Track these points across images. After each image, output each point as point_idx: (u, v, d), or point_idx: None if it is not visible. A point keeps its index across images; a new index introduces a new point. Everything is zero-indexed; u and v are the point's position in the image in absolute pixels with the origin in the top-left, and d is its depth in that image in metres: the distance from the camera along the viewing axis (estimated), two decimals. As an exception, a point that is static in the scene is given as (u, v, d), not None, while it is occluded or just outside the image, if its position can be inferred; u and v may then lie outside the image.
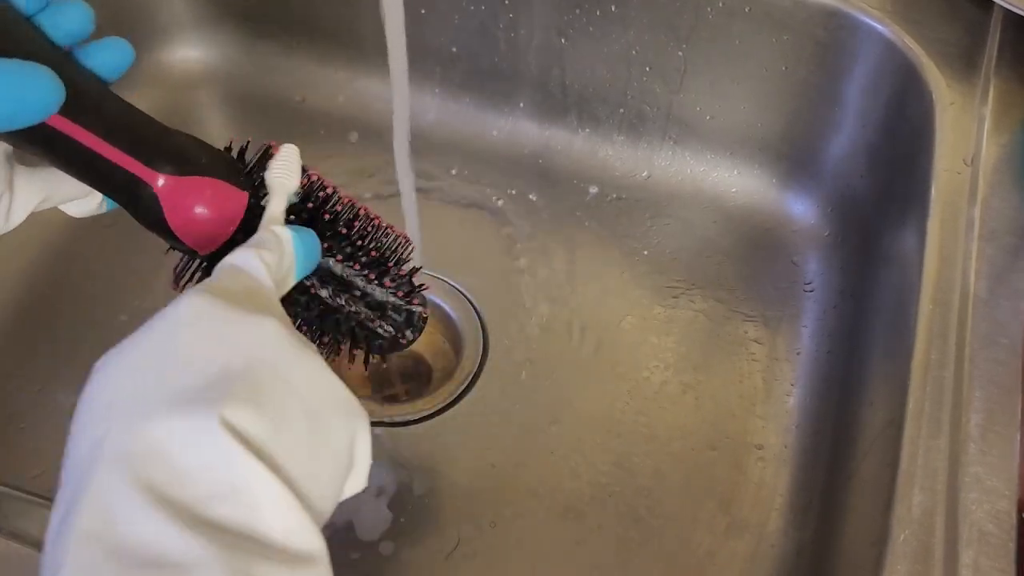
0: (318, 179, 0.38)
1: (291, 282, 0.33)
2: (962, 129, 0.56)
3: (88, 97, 0.30)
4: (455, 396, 0.60)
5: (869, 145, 0.64)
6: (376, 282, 0.38)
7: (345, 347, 0.39)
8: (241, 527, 0.25)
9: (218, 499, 0.24)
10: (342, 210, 0.38)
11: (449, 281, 0.65)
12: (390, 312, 0.39)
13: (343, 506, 0.57)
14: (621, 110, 0.71)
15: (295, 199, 0.37)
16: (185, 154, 0.33)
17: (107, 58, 0.31)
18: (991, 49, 0.60)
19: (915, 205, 0.54)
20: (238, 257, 0.31)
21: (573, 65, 0.70)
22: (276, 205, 0.35)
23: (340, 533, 0.54)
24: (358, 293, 0.38)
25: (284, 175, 0.36)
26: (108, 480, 0.24)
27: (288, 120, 0.75)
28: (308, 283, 0.36)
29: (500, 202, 0.71)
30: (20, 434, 0.57)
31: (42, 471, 0.56)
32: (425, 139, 0.73)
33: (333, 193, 0.38)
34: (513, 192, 0.71)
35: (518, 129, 0.74)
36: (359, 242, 0.38)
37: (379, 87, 0.75)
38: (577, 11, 0.67)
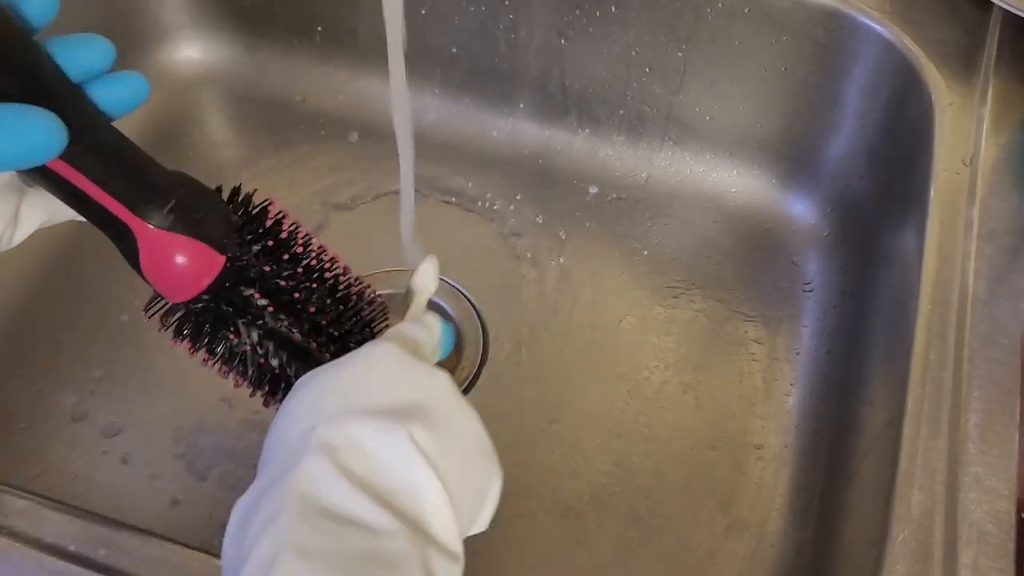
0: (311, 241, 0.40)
1: (433, 360, 0.40)
2: (961, 129, 0.56)
3: (87, 140, 0.30)
4: (455, 396, 0.60)
5: (868, 145, 0.64)
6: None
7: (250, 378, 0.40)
8: (416, 518, 0.30)
9: (400, 493, 0.30)
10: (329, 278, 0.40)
11: (449, 281, 0.65)
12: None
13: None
14: (621, 111, 0.71)
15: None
16: (173, 206, 0.33)
17: (120, 94, 0.32)
18: (990, 50, 0.60)
19: (914, 205, 0.54)
20: (408, 329, 0.38)
21: (573, 66, 0.70)
22: (420, 303, 0.43)
23: (340, 533, 0.54)
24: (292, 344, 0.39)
25: (428, 280, 0.43)
26: (317, 461, 0.30)
27: (288, 120, 0.75)
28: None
29: (500, 202, 0.71)
30: (20, 434, 0.57)
31: (42, 471, 0.56)
32: (425, 139, 0.72)
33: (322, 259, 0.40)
34: (513, 192, 0.71)
35: (518, 129, 0.74)
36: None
37: (379, 87, 0.75)
38: (577, 12, 0.67)
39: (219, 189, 0.37)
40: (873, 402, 0.52)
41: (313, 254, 0.39)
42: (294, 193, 0.70)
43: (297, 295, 0.37)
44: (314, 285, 0.39)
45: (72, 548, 0.40)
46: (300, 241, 0.39)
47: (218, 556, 0.39)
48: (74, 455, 0.57)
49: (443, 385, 0.35)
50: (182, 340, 0.37)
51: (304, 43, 0.76)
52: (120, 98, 0.32)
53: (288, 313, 0.37)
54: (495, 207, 0.70)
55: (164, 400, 0.59)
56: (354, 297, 0.41)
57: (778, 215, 0.70)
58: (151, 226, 0.33)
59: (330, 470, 0.30)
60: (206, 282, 0.34)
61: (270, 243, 0.37)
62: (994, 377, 0.45)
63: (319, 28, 0.75)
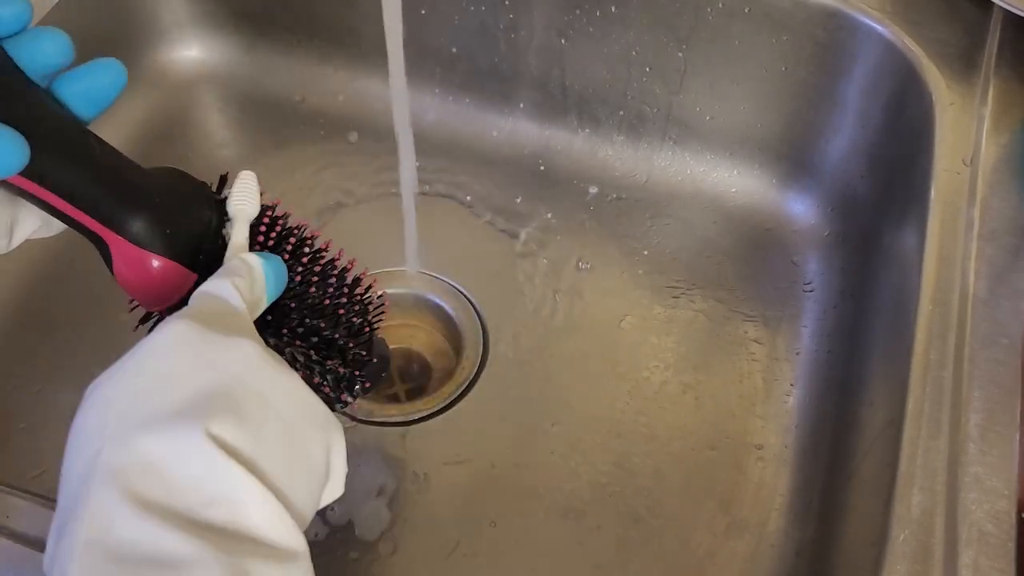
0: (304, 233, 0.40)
1: (263, 305, 0.35)
2: (962, 129, 0.56)
3: (52, 151, 0.29)
4: (455, 396, 0.60)
5: (869, 145, 0.64)
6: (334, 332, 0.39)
7: None
8: (231, 528, 0.26)
9: (208, 505, 0.26)
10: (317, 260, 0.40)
11: (449, 281, 0.65)
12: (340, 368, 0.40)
13: (343, 506, 0.57)
14: (621, 111, 0.71)
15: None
16: (147, 219, 0.32)
17: (91, 86, 0.31)
18: (991, 49, 0.60)
19: (915, 205, 0.54)
20: (212, 285, 0.32)
21: (573, 66, 0.70)
22: (239, 233, 0.36)
23: (340, 533, 0.54)
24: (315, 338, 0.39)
25: (244, 201, 0.37)
26: (104, 493, 0.26)
27: (288, 120, 0.75)
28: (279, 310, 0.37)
29: (500, 202, 0.71)
30: (20, 434, 0.57)
31: (42, 471, 0.56)
32: (425, 139, 0.73)
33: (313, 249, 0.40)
34: (513, 192, 0.71)
35: (518, 129, 0.74)
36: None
37: (379, 87, 0.75)
38: (577, 12, 0.67)
39: (205, 185, 0.36)
40: (873, 402, 0.52)
41: (305, 255, 0.39)
42: (294, 193, 0.70)
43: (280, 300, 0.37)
44: (302, 290, 0.38)
45: (72, 548, 0.40)
46: (290, 238, 0.38)
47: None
48: (74, 455, 0.57)
49: (244, 356, 0.30)
50: None
51: (304, 43, 0.75)
52: (92, 91, 0.31)
53: (273, 312, 0.37)
54: (495, 207, 0.70)
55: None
56: (342, 299, 0.41)
57: (778, 215, 0.70)
58: (124, 240, 0.32)
59: (118, 502, 0.26)
60: (177, 297, 0.34)
61: (257, 248, 0.36)
62: (994, 377, 0.45)
63: (319, 28, 0.75)
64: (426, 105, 0.74)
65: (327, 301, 0.40)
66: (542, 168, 0.73)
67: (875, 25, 0.61)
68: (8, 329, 0.62)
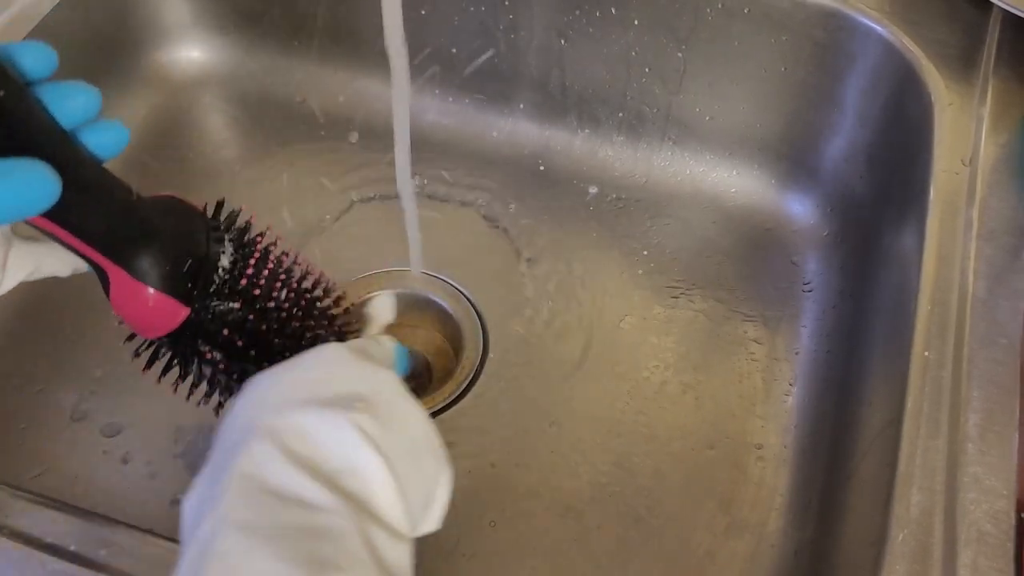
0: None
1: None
2: (961, 129, 0.56)
3: (74, 190, 0.30)
4: (455, 396, 0.60)
5: (868, 145, 0.64)
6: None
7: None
8: (360, 496, 0.31)
9: (345, 472, 0.31)
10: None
11: (449, 281, 0.65)
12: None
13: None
14: (621, 111, 0.71)
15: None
16: (147, 254, 0.34)
17: (105, 141, 0.33)
18: (990, 49, 0.60)
19: (914, 205, 0.54)
20: (360, 342, 0.40)
21: (573, 66, 0.70)
22: (373, 330, 0.46)
23: (340, 533, 0.54)
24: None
25: (385, 312, 0.48)
26: (260, 445, 0.31)
27: (288, 120, 0.75)
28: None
29: (500, 202, 0.71)
30: (20, 434, 0.57)
31: (42, 471, 0.56)
32: (425, 139, 0.73)
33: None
34: (513, 192, 0.71)
35: (518, 130, 0.74)
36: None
37: (379, 87, 0.75)
38: (577, 12, 0.67)
39: (206, 211, 0.38)
40: (872, 402, 0.52)
41: (293, 283, 0.41)
42: (294, 193, 0.70)
43: (265, 329, 0.39)
44: (288, 315, 0.40)
45: (72, 548, 0.40)
46: (280, 270, 0.40)
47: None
48: (74, 455, 0.57)
49: (390, 382, 0.35)
50: (149, 367, 0.39)
51: (304, 43, 0.76)
52: (104, 145, 0.33)
53: (258, 347, 0.39)
54: (495, 207, 0.71)
55: (164, 400, 0.59)
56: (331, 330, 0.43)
57: (778, 215, 0.70)
58: (122, 271, 0.34)
59: (272, 452, 0.30)
60: (169, 328, 0.36)
61: (243, 281, 0.38)
62: (994, 377, 0.45)
63: (319, 28, 0.75)
64: (426, 105, 0.74)
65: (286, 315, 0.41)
66: (542, 168, 0.73)
67: (874, 25, 0.61)
68: (9, 329, 0.62)
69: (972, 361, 0.45)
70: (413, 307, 0.66)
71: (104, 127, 0.33)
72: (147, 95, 0.73)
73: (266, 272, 0.39)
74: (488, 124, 0.74)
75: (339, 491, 0.30)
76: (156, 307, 0.35)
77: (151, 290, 0.34)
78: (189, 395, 0.41)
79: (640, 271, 0.67)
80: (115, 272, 0.34)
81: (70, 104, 0.31)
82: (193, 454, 0.57)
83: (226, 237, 0.38)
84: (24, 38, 0.62)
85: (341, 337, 0.45)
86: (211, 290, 0.36)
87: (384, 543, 0.31)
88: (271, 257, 0.40)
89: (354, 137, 0.74)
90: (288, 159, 0.73)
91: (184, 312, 0.36)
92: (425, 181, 0.71)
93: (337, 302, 0.45)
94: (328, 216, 0.69)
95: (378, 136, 0.73)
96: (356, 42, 0.74)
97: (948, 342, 0.46)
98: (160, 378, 0.40)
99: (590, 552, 0.55)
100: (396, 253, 0.64)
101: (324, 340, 0.43)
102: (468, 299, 0.65)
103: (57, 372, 0.60)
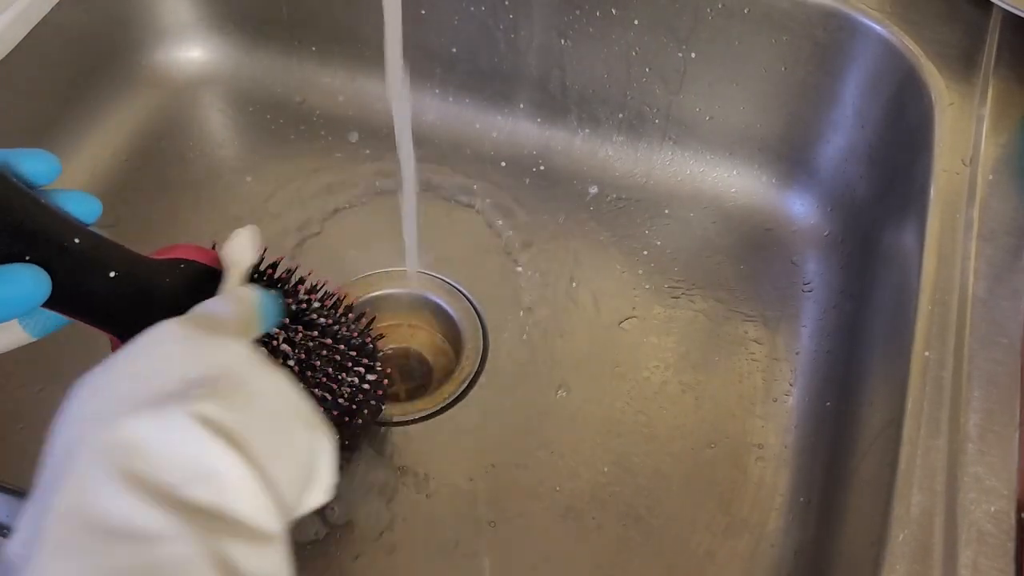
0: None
1: (254, 332, 0.36)
2: (961, 129, 0.56)
3: (66, 282, 0.31)
4: (455, 396, 0.60)
5: (868, 145, 0.64)
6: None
7: None
8: (212, 507, 0.27)
9: (191, 482, 0.26)
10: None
11: (449, 281, 0.65)
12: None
13: (343, 506, 0.57)
14: (621, 111, 0.71)
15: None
16: (141, 323, 0.33)
17: (79, 210, 0.33)
18: (990, 49, 0.60)
19: (914, 205, 0.54)
20: (207, 306, 0.34)
21: (573, 66, 0.70)
22: (231, 277, 0.37)
23: (340, 533, 0.54)
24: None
25: (245, 253, 0.38)
26: (85, 467, 0.26)
27: (288, 120, 0.75)
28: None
29: (500, 202, 0.71)
30: (20, 434, 0.57)
31: (42, 471, 0.56)
32: (425, 139, 0.73)
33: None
34: (513, 192, 0.71)
35: (518, 129, 0.74)
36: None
37: (379, 87, 0.75)
38: (577, 12, 0.67)
39: (214, 273, 0.38)
40: (873, 402, 0.52)
41: (297, 335, 0.41)
42: (294, 193, 0.70)
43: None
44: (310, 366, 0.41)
45: (72, 548, 0.40)
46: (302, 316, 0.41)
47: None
48: (74, 455, 0.57)
49: (237, 353, 0.31)
50: None
51: (304, 44, 0.76)
52: (84, 212, 0.33)
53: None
54: (495, 207, 0.71)
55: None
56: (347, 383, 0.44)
57: (778, 215, 0.70)
58: (117, 338, 0.35)
59: (99, 476, 0.26)
60: None
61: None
62: (994, 377, 0.45)
63: (319, 29, 0.75)
64: (426, 105, 0.74)
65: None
66: (542, 168, 0.73)
67: (874, 25, 0.61)
68: (8, 329, 0.62)
69: (972, 361, 0.45)
70: (413, 307, 0.66)
71: (77, 197, 0.33)
72: (147, 95, 0.73)
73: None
74: (488, 124, 0.74)
75: (184, 508, 0.26)
76: None
77: None
78: None
79: (640, 271, 0.67)
80: (113, 339, 0.35)
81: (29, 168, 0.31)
82: (193, 454, 0.57)
83: None
84: (24, 38, 0.62)
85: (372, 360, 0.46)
86: None
87: (244, 556, 0.26)
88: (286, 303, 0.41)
89: (354, 137, 0.74)
90: (288, 159, 0.73)
91: None
92: (425, 181, 0.71)
93: (372, 348, 0.46)
94: (328, 216, 0.69)
95: (378, 136, 0.73)
96: (356, 42, 0.74)
97: (948, 342, 0.46)
98: None
99: (590, 552, 0.54)
100: (396, 253, 0.64)
101: (350, 385, 0.44)
102: (468, 299, 0.65)
103: (57, 372, 0.60)
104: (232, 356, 0.30)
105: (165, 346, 0.30)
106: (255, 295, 0.37)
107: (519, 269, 0.67)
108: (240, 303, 0.35)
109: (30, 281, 0.29)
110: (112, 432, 0.27)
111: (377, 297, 0.65)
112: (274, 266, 0.42)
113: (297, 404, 0.31)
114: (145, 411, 0.27)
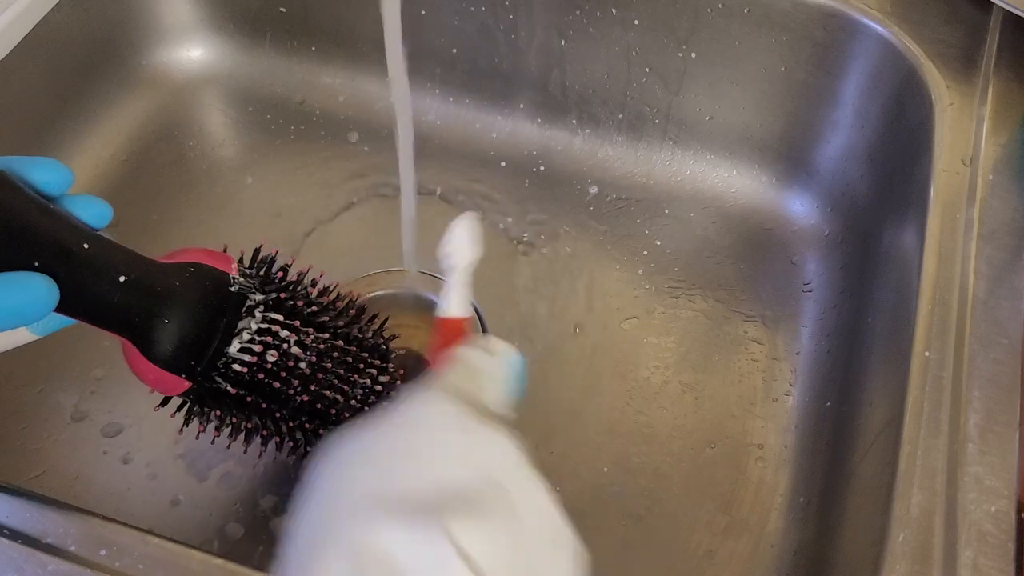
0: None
1: (498, 397, 0.36)
2: (961, 130, 0.56)
3: (74, 289, 0.31)
4: (455, 396, 0.60)
5: (868, 145, 0.64)
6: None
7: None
8: None
9: None
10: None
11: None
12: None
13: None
14: (621, 111, 0.71)
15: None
16: (153, 334, 0.34)
17: (93, 214, 0.33)
18: (990, 50, 0.60)
19: (914, 205, 0.54)
20: (472, 356, 0.35)
21: (573, 66, 0.70)
22: (459, 280, 0.38)
23: (340, 533, 0.54)
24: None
25: (466, 247, 0.39)
26: (337, 563, 0.27)
27: (288, 120, 0.75)
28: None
29: (500, 202, 0.71)
30: (20, 434, 0.57)
31: (42, 471, 0.56)
32: (425, 139, 0.73)
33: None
34: (513, 192, 0.71)
35: (518, 130, 0.74)
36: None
37: (379, 87, 0.75)
38: (577, 12, 0.67)
39: (227, 279, 0.37)
40: (873, 402, 0.52)
41: (310, 333, 0.41)
42: (294, 193, 0.70)
43: (278, 385, 0.39)
44: (306, 365, 0.40)
45: (72, 548, 0.40)
46: (304, 315, 0.41)
47: (218, 556, 0.39)
48: (74, 455, 0.57)
49: (502, 457, 0.30)
50: (163, 405, 0.40)
51: (304, 44, 0.76)
52: (94, 217, 0.33)
53: (273, 400, 0.39)
54: (495, 207, 0.70)
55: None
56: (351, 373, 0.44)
57: (778, 215, 0.70)
58: (129, 344, 0.35)
59: None
60: (175, 392, 0.37)
61: (259, 348, 0.38)
62: (994, 377, 0.45)
63: (319, 29, 0.75)
64: (426, 105, 0.74)
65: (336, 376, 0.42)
66: (542, 168, 0.73)
67: (875, 25, 0.61)
68: (8, 329, 0.62)
69: (972, 361, 0.45)
70: (413, 307, 0.66)
71: (87, 202, 0.33)
72: (147, 95, 0.73)
73: (283, 329, 0.39)
74: (488, 124, 0.74)
75: None
76: (158, 378, 0.36)
77: (153, 367, 0.35)
78: (198, 435, 0.41)
79: (640, 271, 0.67)
80: (124, 342, 0.35)
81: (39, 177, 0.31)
82: (193, 454, 0.57)
83: (249, 293, 0.37)
84: (24, 38, 0.62)
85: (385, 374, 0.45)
86: (219, 361, 0.36)
87: None
88: (297, 305, 0.40)
89: (354, 137, 0.74)
90: (288, 159, 0.73)
91: (184, 385, 0.36)
92: (425, 181, 0.71)
93: (386, 360, 0.46)
94: (327, 216, 0.69)
95: (378, 136, 0.73)
96: (356, 42, 0.74)
97: (948, 342, 0.46)
98: (174, 414, 0.40)
99: (590, 552, 0.54)
100: (396, 253, 0.64)
101: (366, 389, 0.44)
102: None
103: (57, 372, 0.60)
104: (501, 460, 0.30)
105: (433, 434, 0.30)
106: (508, 358, 0.36)
107: (519, 270, 0.67)
108: (495, 366, 0.35)
109: (37, 291, 0.29)
110: (366, 533, 0.27)
111: (377, 297, 0.65)
112: (285, 268, 0.42)
113: (554, 523, 0.31)
114: (403, 520, 0.27)
